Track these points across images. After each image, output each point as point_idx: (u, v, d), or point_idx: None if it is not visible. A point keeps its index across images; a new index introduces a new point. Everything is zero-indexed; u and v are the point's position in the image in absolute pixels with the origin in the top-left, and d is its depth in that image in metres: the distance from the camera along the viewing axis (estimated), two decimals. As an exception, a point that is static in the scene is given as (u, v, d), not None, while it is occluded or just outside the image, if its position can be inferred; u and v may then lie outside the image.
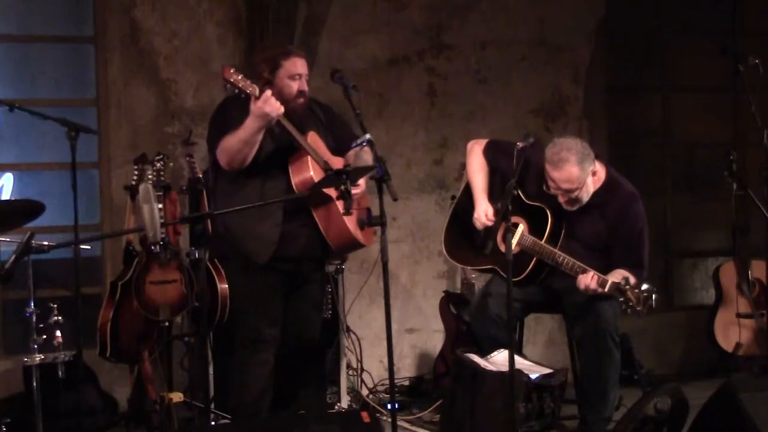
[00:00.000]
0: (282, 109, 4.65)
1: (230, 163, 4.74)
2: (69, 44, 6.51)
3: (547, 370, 5.08)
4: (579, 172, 4.99)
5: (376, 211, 4.42)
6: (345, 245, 4.97)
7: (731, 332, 6.60)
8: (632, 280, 4.78)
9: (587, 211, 5.12)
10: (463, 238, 5.37)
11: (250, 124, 4.65)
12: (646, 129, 7.68)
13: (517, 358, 4.76)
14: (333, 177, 4.52)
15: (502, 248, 5.05)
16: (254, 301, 4.90)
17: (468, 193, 5.36)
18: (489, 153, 5.34)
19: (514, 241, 5.05)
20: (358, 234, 4.86)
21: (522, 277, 5.08)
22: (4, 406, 5.50)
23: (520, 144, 4.88)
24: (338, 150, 5.00)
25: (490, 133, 6.57)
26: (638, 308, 4.72)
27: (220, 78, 4.63)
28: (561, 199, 5.07)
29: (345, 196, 4.44)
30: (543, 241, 5.06)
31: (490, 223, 5.16)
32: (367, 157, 4.85)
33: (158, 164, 5.50)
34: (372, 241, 5.04)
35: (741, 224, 6.47)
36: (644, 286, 4.75)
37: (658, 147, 7.64)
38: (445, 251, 5.49)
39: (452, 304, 6.39)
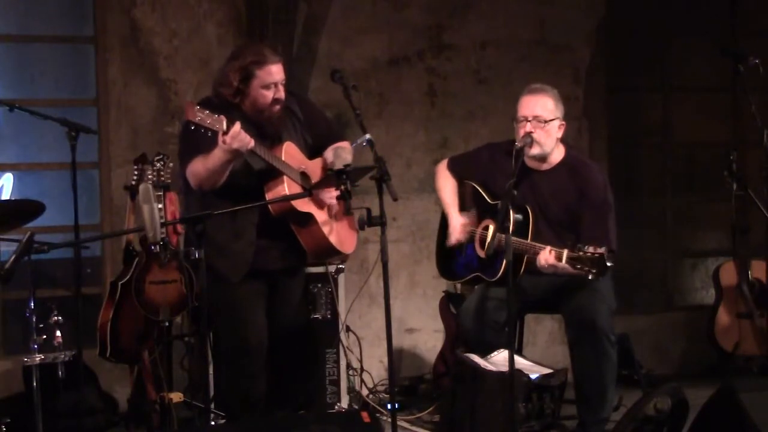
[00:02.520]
0: (251, 143, 4.47)
1: (199, 186, 4.63)
2: (69, 44, 6.51)
3: (547, 370, 5.08)
4: (552, 106, 5.10)
5: (376, 211, 4.42)
6: (323, 254, 4.95)
7: (731, 332, 6.59)
8: (589, 247, 4.67)
9: (555, 184, 5.13)
10: (447, 254, 5.41)
11: (218, 156, 4.49)
12: (646, 129, 7.67)
13: (517, 358, 4.76)
14: (333, 177, 4.51)
15: (480, 253, 5.17)
16: (235, 311, 4.79)
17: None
18: (452, 166, 5.43)
19: (487, 242, 5.12)
20: (336, 243, 4.83)
21: (499, 276, 5.06)
22: (4, 406, 5.49)
23: (518, 144, 5.00)
24: (317, 145, 4.92)
25: (490, 133, 6.58)
26: (593, 270, 4.62)
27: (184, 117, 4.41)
28: (522, 131, 5.06)
29: (345, 196, 4.44)
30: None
31: (462, 238, 5.24)
32: (345, 155, 4.83)
33: (158, 164, 5.51)
34: (353, 247, 5.00)
35: (741, 224, 6.45)
36: (598, 249, 4.63)
37: (658, 147, 7.63)
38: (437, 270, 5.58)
39: (452, 304, 6.37)
